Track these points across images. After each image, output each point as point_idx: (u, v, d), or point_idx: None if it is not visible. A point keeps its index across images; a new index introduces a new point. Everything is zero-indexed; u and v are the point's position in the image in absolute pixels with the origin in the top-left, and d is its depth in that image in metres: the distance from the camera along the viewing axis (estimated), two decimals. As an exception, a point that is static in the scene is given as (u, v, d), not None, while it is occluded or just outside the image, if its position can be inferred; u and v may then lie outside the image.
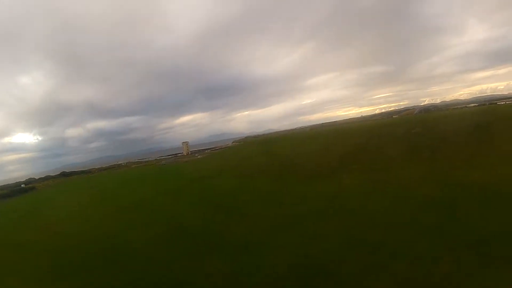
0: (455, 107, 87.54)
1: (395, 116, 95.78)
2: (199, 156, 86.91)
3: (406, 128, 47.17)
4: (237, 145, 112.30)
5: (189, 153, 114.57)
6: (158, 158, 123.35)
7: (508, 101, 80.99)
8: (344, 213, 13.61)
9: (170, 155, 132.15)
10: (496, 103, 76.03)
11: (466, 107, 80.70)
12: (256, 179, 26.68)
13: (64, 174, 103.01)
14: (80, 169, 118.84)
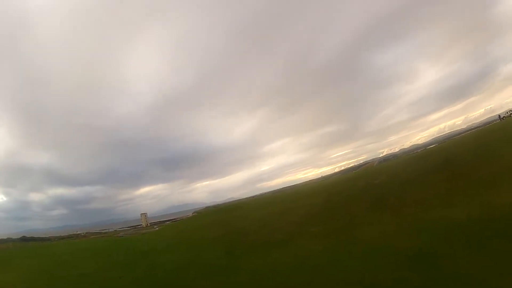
0: (416, 151, 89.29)
1: (355, 172, 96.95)
2: (157, 228, 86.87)
3: (367, 180, 44.91)
4: (195, 215, 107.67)
5: (148, 224, 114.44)
6: (117, 229, 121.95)
7: (467, 133, 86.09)
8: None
9: (130, 226, 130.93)
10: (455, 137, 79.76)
11: (426, 149, 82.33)
12: (208, 251, 24.89)
13: (24, 239, 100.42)
14: (40, 236, 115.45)
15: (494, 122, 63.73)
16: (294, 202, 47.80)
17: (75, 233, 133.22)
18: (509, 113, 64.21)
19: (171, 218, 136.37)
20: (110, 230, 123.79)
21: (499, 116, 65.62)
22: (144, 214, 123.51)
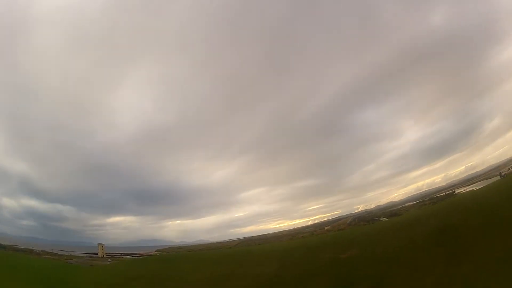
0: (392, 209, 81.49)
1: (327, 228, 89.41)
2: (109, 262, 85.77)
3: (335, 252, 35.32)
4: (149, 257, 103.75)
5: (104, 256, 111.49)
6: (73, 254, 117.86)
7: (447, 191, 79.15)
8: None
9: (87, 254, 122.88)
10: (436, 196, 72.63)
11: (402, 207, 74.30)
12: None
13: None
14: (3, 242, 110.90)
15: (495, 180, 56.35)
16: (241, 267, 39.57)
17: (30, 247, 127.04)
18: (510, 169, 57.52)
19: (133, 253, 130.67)
20: (66, 253, 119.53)
21: (500, 173, 58.57)
22: (101, 245, 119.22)
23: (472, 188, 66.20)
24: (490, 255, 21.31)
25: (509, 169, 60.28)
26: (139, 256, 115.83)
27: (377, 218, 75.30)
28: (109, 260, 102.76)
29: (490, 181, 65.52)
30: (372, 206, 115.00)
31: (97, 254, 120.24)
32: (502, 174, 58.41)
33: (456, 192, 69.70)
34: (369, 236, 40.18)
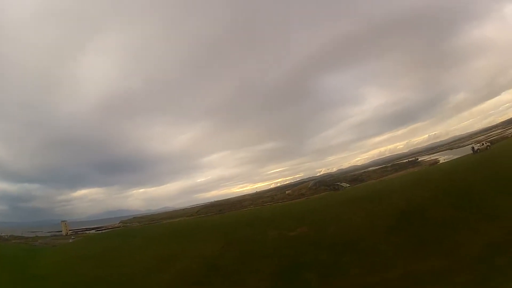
0: (354, 173, 79.51)
1: (288, 191, 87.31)
2: (71, 240, 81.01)
3: (283, 228, 30.85)
4: (109, 232, 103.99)
5: (68, 233, 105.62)
6: (38, 235, 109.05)
7: (410, 158, 77.75)
8: None
9: (52, 233, 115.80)
10: (399, 162, 70.80)
11: (364, 172, 71.91)
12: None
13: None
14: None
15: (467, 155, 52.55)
16: (181, 246, 33.05)
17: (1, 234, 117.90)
18: (485, 144, 53.54)
19: (98, 226, 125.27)
20: (31, 236, 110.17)
21: (473, 148, 54.76)
22: (64, 222, 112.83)
23: (436, 158, 65.09)
24: (466, 249, 17.01)
25: (483, 144, 54.24)
26: (103, 229, 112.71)
27: (338, 183, 72.66)
28: (72, 237, 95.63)
29: (455, 152, 64.12)
30: (334, 169, 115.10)
31: (59, 232, 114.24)
32: (475, 149, 52.96)
33: (419, 159, 67.62)
34: (323, 211, 35.48)
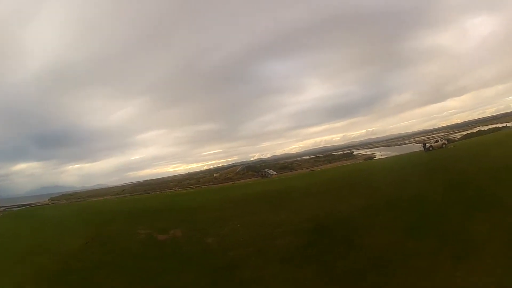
0: (285, 161, 74.01)
1: (216, 174, 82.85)
2: None
3: (155, 227, 21.32)
4: (18, 211, 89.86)
5: None
6: None
7: (345, 150, 74.19)
8: None
9: None
10: (333, 154, 66.10)
11: (296, 160, 66.08)
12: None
13: None
14: None
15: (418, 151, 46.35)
16: (51, 237, 25.57)
17: None
18: (441, 142, 47.78)
19: (28, 203, 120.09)
20: None
21: (424, 144, 48.94)
22: None
23: (373, 153, 60.75)
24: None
25: (438, 140, 46.12)
26: (32, 206, 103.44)
27: (266, 170, 65.69)
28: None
29: (392, 149, 60.29)
30: (268, 155, 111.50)
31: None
32: (427, 146, 45.57)
33: (354, 153, 62.54)
34: (215, 209, 26.03)
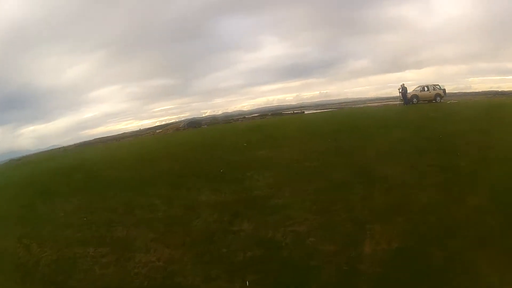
0: (235, 117, 69.04)
1: (158, 131, 75.86)
2: None
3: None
4: None
5: None
6: None
7: (296, 110, 71.24)
8: None
9: None
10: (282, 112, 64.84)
11: (245, 118, 61.58)
12: None
13: None
14: None
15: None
16: None
17: None
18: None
19: None
20: None
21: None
22: None
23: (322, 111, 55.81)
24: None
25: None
26: None
27: (204, 125, 59.38)
28: None
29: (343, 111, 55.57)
30: (220, 112, 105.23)
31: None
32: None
33: (305, 112, 57.38)
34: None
